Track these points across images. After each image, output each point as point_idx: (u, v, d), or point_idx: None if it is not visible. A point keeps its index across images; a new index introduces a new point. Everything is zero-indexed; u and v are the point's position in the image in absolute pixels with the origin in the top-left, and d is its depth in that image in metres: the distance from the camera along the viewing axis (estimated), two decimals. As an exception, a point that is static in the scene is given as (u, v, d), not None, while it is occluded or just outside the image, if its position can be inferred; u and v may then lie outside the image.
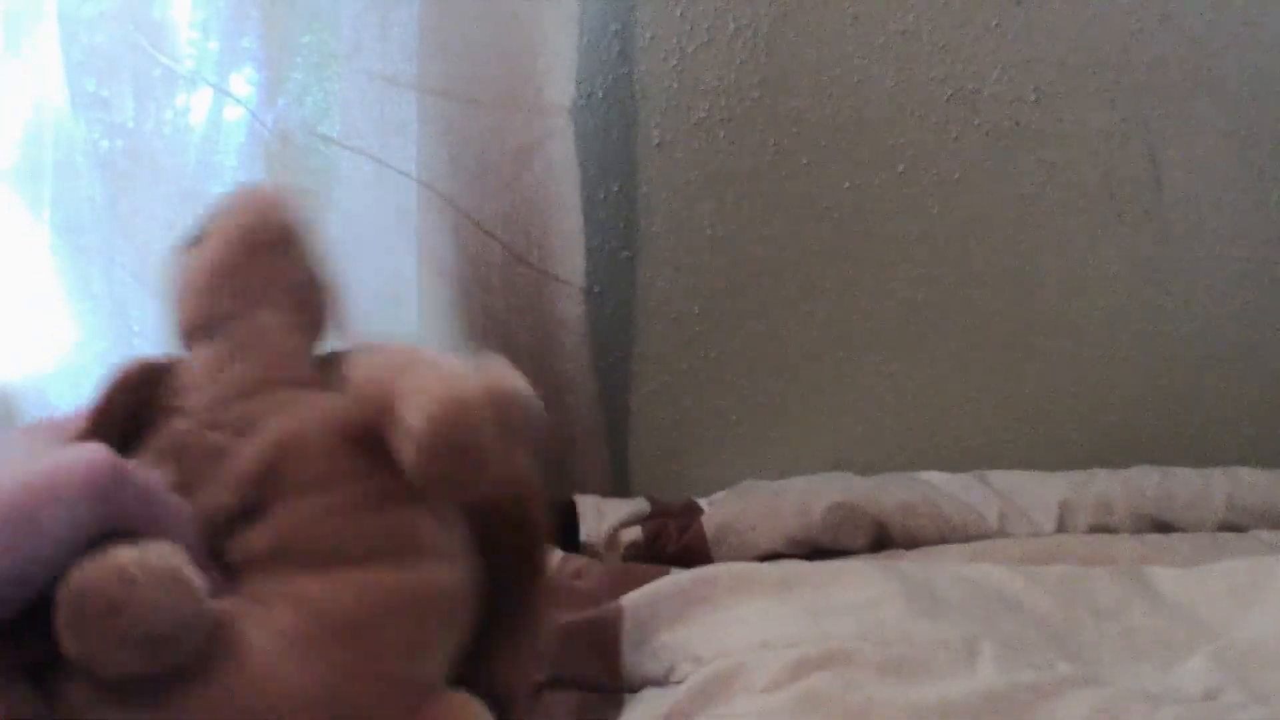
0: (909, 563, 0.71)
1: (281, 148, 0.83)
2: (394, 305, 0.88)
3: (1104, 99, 0.89)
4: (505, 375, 0.40)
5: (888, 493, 0.79)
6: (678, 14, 0.87)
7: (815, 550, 0.75)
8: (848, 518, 0.76)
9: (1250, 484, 0.81)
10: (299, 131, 0.84)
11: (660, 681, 0.50)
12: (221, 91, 0.83)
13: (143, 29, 0.81)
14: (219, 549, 0.39)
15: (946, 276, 0.92)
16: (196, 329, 0.45)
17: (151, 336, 0.87)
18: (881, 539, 0.77)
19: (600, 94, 0.89)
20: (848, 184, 0.90)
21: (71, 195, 0.85)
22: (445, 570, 0.41)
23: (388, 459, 0.38)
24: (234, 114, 0.83)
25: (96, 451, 0.36)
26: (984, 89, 0.89)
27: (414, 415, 0.37)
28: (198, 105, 0.84)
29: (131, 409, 0.42)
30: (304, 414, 0.41)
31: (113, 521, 0.35)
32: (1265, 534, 0.76)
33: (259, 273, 0.45)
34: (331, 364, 0.46)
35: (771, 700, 0.47)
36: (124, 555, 0.33)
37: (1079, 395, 0.95)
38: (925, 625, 0.53)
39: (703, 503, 0.82)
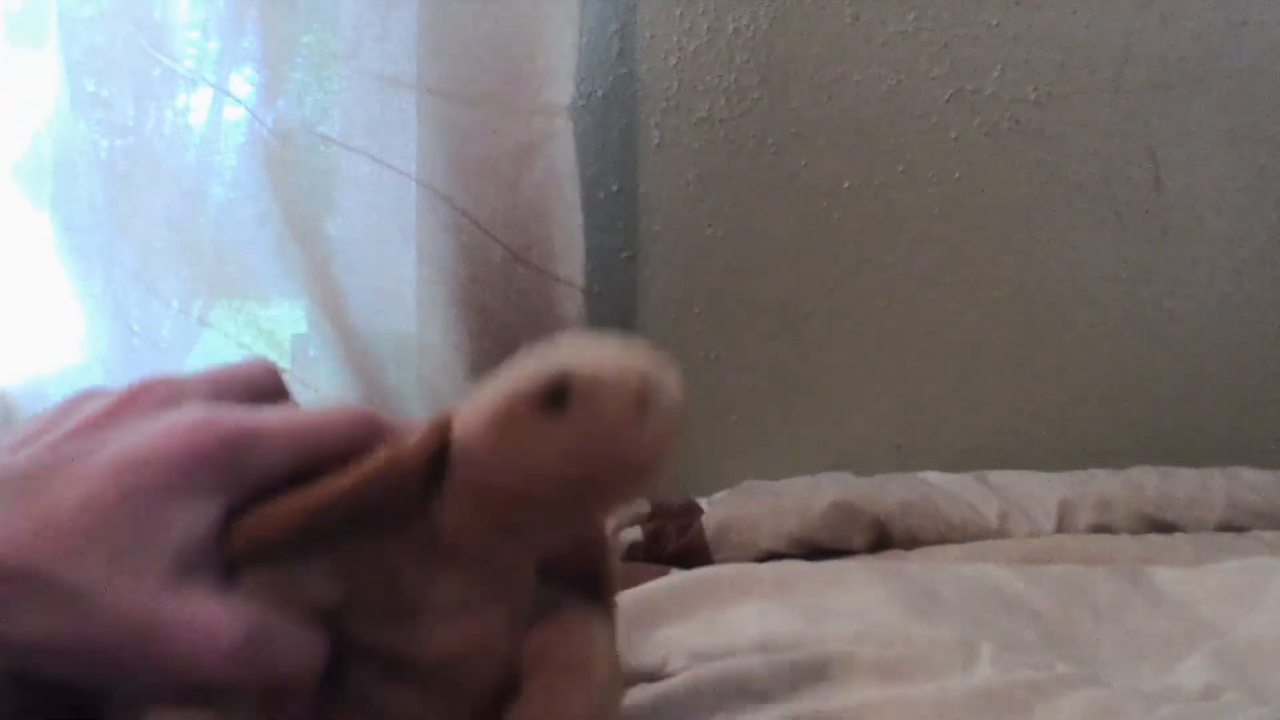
0: (908, 563, 0.71)
1: (281, 148, 0.83)
2: (394, 305, 0.89)
3: (1104, 99, 0.89)
4: None
5: (888, 492, 0.79)
6: (678, 14, 0.87)
7: (815, 550, 0.75)
8: (848, 517, 0.76)
9: (1250, 484, 0.81)
10: (299, 131, 0.84)
11: (653, 676, 0.50)
12: (221, 91, 0.83)
13: (143, 29, 0.81)
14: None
15: (946, 276, 0.92)
16: (493, 500, 0.33)
17: (151, 337, 0.87)
18: (881, 539, 0.77)
19: (600, 94, 0.89)
20: (848, 184, 0.90)
21: (71, 195, 0.85)
22: None
23: None
24: (234, 114, 0.84)
25: (240, 629, 0.31)
26: (984, 89, 0.89)
27: None
28: (198, 105, 0.84)
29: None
30: (499, 635, 0.36)
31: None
32: (1265, 534, 0.76)
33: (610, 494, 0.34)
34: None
35: (770, 708, 0.47)
36: None
37: (1079, 395, 0.95)
38: (924, 627, 0.53)
39: (703, 503, 0.82)
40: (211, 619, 0.30)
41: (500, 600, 0.35)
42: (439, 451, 0.34)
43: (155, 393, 0.33)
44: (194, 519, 0.31)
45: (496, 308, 0.85)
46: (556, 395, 0.32)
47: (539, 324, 0.86)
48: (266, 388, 0.36)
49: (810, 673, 0.48)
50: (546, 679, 0.35)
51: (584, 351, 0.33)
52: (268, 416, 0.33)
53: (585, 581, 0.39)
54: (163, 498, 0.30)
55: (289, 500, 0.32)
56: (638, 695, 0.49)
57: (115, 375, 0.88)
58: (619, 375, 0.33)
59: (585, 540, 0.39)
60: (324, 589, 0.33)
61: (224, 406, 0.33)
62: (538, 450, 0.32)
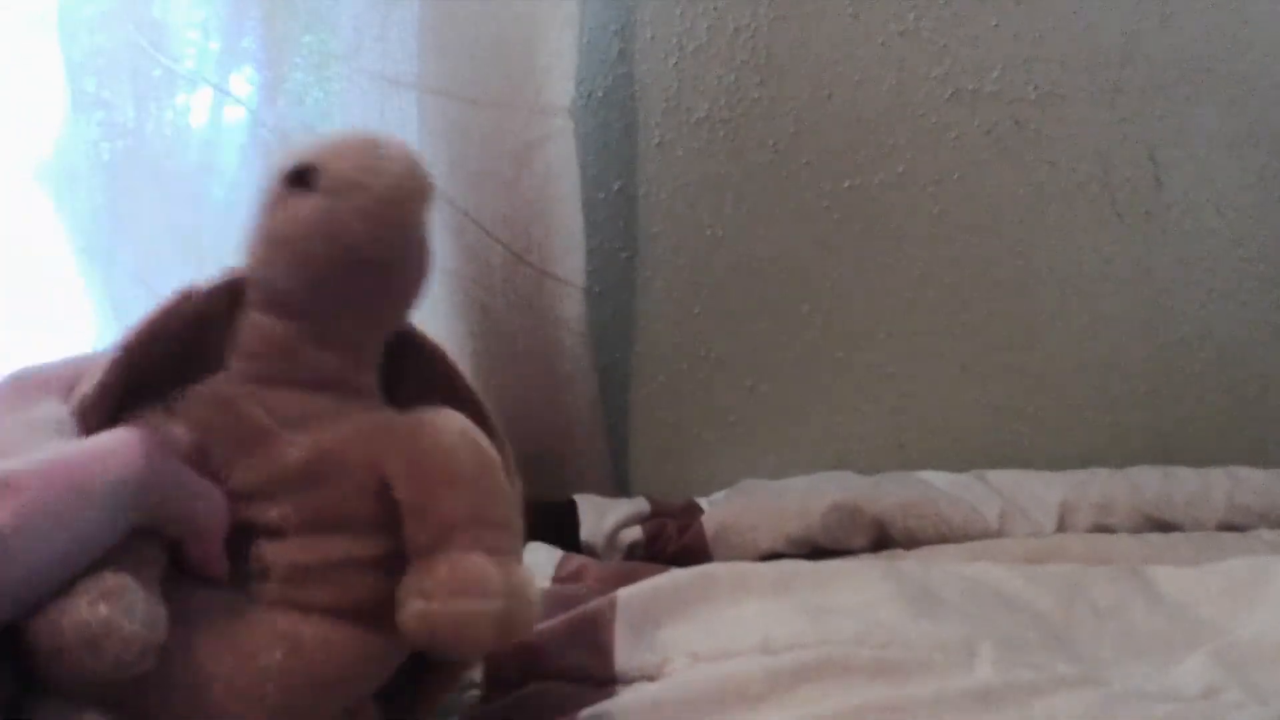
0: (908, 563, 0.71)
1: (281, 148, 0.83)
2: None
3: (1104, 99, 0.89)
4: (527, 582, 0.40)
5: (888, 493, 0.79)
6: (678, 14, 0.87)
7: (815, 550, 0.75)
8: (848, 518, 0.76)
9: (1250, 484, 0.81)
10: (299, 131, 0.84)
11: (654, 675, 0.50)
12: (221, 91, 0.83)
13: (143, 29, 0.81)
14: (243, 521, 0.40)
15: (946, 276, 0.92)
16: (274, 291, 0.39)
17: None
18: (881, 539, 0.77)
19: (600, 94, 0.89)
20: (848, 184, 0.90)
21: (72, 196, 0.85)
22: (403, 638, 0.41)
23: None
24: (234, 114, 0.84)
25: (134, 442, 0.35)
26: (984, 89, 0.89)
27: (417, 619, 0.38)
28: (198, 105, 0.84)
29: (178, 342, 0.40)
30: (356, 439, 0.40)
31: (147, 513, 0.35)
32: (1266, 534, 0.76)
33: (371, 270, 0.40)
34: (398, 366, 0.44)
35: (771, 707, 0.47)
36: (87, 610, 0.33)
37: (1079, 395, 0.94)
38: (924, 626, 0.53)
39: (703, 503, 0.82)
40: (122, 433, 0.35)
41: (345, 411, 0.40)
42: (232, 285, 0.40)
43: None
44: (49, 406, 0.38)
45: (496, 308, 0.85)
46: (301, 175, 0.38)
47: (539, 324, 0.86)
48: None
49: (810, 672, 0.48)
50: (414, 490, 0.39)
51: (315, 140, 0.40)
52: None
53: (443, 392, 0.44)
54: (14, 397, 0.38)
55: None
56: (639, 695, 0.49)
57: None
58: (347, 142, 0.39)
59: (414, 346, 0.44)
60: (180, 431, 0.38)
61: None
62: (297, 223, 0.38)
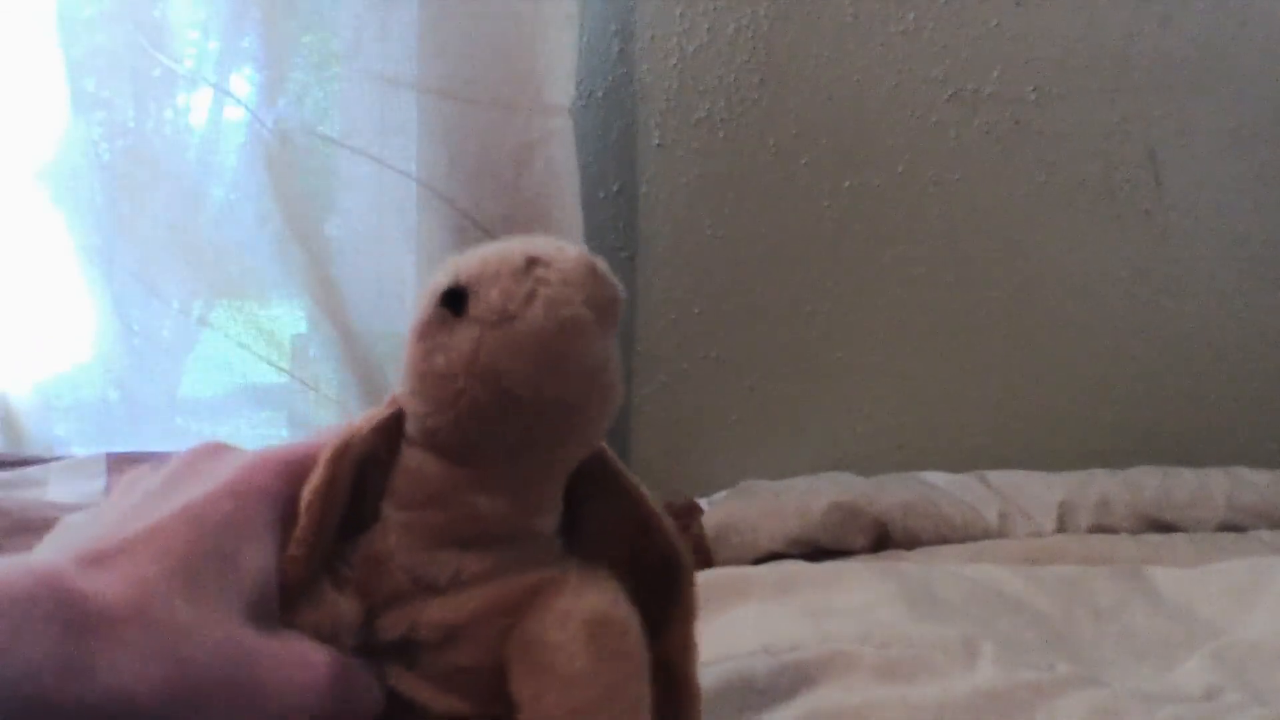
0: (909, 564, 0.71)
1: (281, 148, 0.83)
2: (394, 305, 0.88)
3: (1104, 99, 0.89)
4: None
5: (888, 493, 0.79)
6: (678, 14, 0.87)
7: (815, 550, 0.75)
8: (848, 518, 0.76)
9: (1250, 484, 0.81)
10: (299, 131, 0.84)
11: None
12: (221, 91, 0.83)
13: (143, 29, 0.81)
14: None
15: (946, 276, 0.92)
16: (427, 428, 0.33)
17: (152, 337, 0.87)
18: (881, 539, 0.77)
19: (600, 94, 0.89)
20: (848, 184, 0.90)
21: (72, 196, 0.85)
22: None
23: None
24: (234, 114, 0.84)
25: (326, 665, 0.31)
26: (984, 89, 0.89)
27: None
28: (198, 105, 0.84)
29: (348, 491, 0.34)
30: (490, 615, 0.34)
31: None
32: (1265, 534, 0.76)
33: (530, 412, 0.33)
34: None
35: (772, 708, 0.47)
36: None
37: (1079, 395, 0.95)
38: (925, 626, 0.53)
39: (703, 503, 0.82)
40: (303, 651, 0.30)
41: (500, 569, 0.34)
42: (389, 421, 0.34)
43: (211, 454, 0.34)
44: (260, 554, 0.31)
45: (496, 308, 0.85)
46: (453, 299, 0.32)
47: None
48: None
49: (812, 673, 0.48)
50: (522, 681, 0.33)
51: (475, 254, 0.33)
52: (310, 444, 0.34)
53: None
54: (233, 534, 0.31)
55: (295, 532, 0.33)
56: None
57: (116, 375, 0.88)
58: (502, 261, 0.32)
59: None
60: (349, 609, 0.34)
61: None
62: (453, 357, 0.31)
